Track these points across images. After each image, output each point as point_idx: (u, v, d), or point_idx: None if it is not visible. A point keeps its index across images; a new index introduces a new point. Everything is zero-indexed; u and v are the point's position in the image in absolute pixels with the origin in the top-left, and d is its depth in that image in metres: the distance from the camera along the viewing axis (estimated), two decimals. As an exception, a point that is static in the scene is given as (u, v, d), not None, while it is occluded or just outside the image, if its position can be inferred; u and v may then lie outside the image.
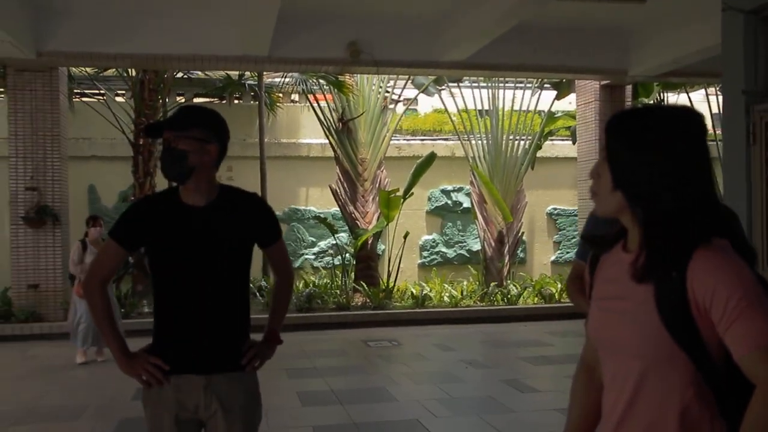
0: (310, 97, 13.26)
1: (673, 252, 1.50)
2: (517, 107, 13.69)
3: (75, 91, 13.14)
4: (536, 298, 12.55)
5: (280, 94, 14.83)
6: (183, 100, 14.38)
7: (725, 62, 5.34)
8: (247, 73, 13.82)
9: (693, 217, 1.51)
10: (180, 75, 13.26)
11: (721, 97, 7.99)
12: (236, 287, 2.66)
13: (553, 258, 15.17)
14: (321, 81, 12.91)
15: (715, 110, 14.48)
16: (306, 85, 13.25)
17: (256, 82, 13.82)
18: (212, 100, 15.17)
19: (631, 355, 1.56)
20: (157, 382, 2.54)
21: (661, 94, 13.21)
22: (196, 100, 14.80)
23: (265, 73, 13.48)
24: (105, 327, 2.62)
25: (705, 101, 15.12)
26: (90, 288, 2.65)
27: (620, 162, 1.56)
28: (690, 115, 1.61)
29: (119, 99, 14.01)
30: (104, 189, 13.96)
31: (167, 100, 12.97)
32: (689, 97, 13.79)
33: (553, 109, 14.07)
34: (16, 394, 6.96)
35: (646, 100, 12.71)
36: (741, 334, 1.41)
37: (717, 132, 12.65)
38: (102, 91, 13.86)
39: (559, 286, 12.81)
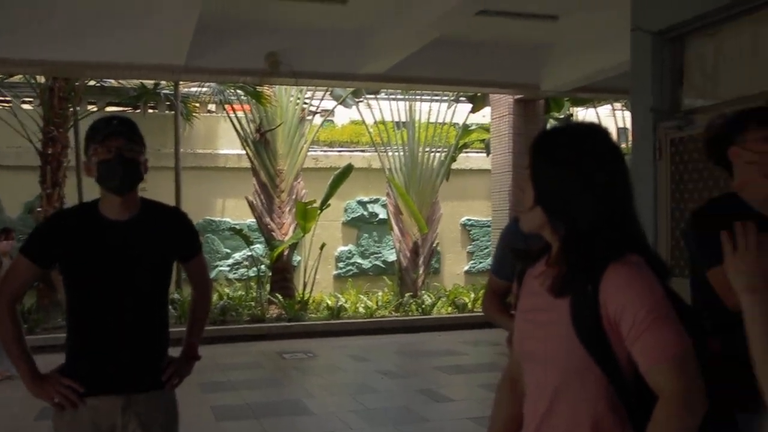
0: (228, 107, 13.12)
1: (587, 267, 1.55)
2: (433, 119, 13.91)
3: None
4: (450, 308, 12.74)
5: (197, 104, 14.60)
6: (95, 109, 13.96)
7: (634, 81, 5.58)
8: (163, 82, 13.55)
9: (608, 233, 1.56)
10: (92, 83, 12.88)
11: (627, 113, 8.36)
12: (156, 303, 2.61)
13: (466, 268, 15.43)
14: (239, 91, 12.80)
15: (621, 125, 15.11)
16: (224, 95, 13.11)
17: (172, 92, 13.57)
18: (126, 109, 14.78)
19: (550, 366, 1.62)
20: (71, 405, 2.44)
21: (571, 109, 13.67)
22: (109, 109, 14.39)
23: (181, 82, 13.25)
24: (14, 348, 2.48)
25: (612, 116, 15.76)
26: None
27: (539, 179, 1.63)
28: (598, 132, 1.68)
29: (26, 106, 13.49)
30: (9, 199, 13.41)
31: (78, 108, 12.56)
32: (597, 112, 14.33)
33: (468, 122, 14.36)
34: None
35: (557, 115, 13.14)
36: (647, 347, 1.46)
37: (622, 146, 13.18)
38: (8, 98, 13.32)
39: (473, 295, 13.06)
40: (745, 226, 1.47)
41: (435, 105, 14.04)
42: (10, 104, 13.14)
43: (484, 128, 14.05)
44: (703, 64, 5.06)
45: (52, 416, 2.54)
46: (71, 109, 12.06)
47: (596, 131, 1.69)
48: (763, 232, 2.46)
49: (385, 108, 14.13)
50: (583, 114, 15.07)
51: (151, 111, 14.77)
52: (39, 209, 11.75)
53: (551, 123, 13.08)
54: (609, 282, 1.51)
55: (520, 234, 1.76)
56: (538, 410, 1.65)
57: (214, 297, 12.60)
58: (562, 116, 13.35)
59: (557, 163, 1.61)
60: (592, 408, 1.56)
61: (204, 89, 13.40)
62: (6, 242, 8.13)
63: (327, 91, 13.69)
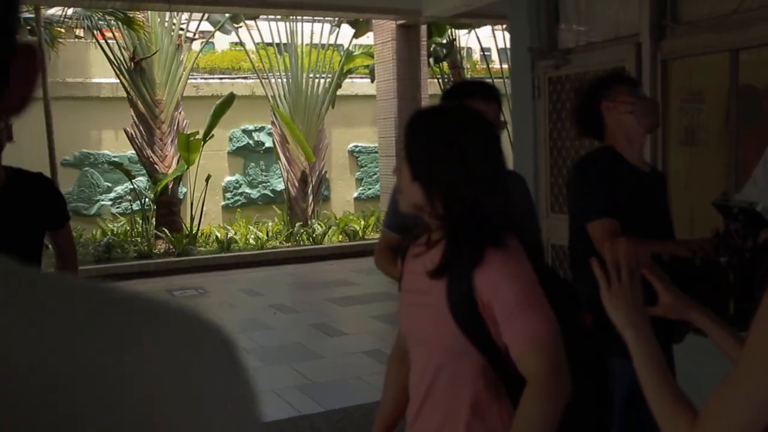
0: (98, 34, 12.37)
1: (465, 250, 1.58)
2: (316, 41, 13.64)
3: None
4: (341, 236, 12.86)
5: (62, 30, 13.68)
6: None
7: (511, 19, 5.66)
8: (23, 6, 12.57)
9: (484, 215, 1.60)
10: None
11: (507, 34, 8.46)
12: None
13: (355, 195, 15.53)
14: (107, 17, 12.06)
15: (501, 45, 15.31)
16: (91, 20, 12.32)
17: (33, 16, 12.63)
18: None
19: (429, 347, 1.67)
20: None
21: (453, 33, 13.72)
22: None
23: (42, 6, 12.35)
24: None
25: (492, 36, 15.93)
26: None
27: (417, 156, 1.65)
28: (471, 111, 1.74)
29: None
30: None
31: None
32: (477, 35, 14.45)
33: (351, 48, 14.18)
34: None
35: (439, 39, 13.16)
36: (515, 332, 1.52)
37: (504, 67, 13.39)
38: None
39: (363, 223, 13.21)
40: (617, 254, 1.43)
41: (317, 27, 13.74)
42: None
43: (368, 54, 13.92)
44: (577, 3, 5.18)
45: None
46: None
47: (469, 110, 1.75)
48: (639, 183, 2.62)
49: (265, 30, 13.71)
50: (465, 38, 15.15)
51: (12, 37, 13.76)
52: None
53: (434, 48, 13.11)
54: (484, 267, 1.55)
55: None
56: (420, 388, 1.71)
57: (98, 233, 12.20)
58: (444, 41, 13.40)
59: (435, 139, 1.65)
60: (471, 387, 1.62)
61: (69, 12, 12.54)
62: None
63: (204, 16, 13.12)
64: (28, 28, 12.99)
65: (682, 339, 2.67)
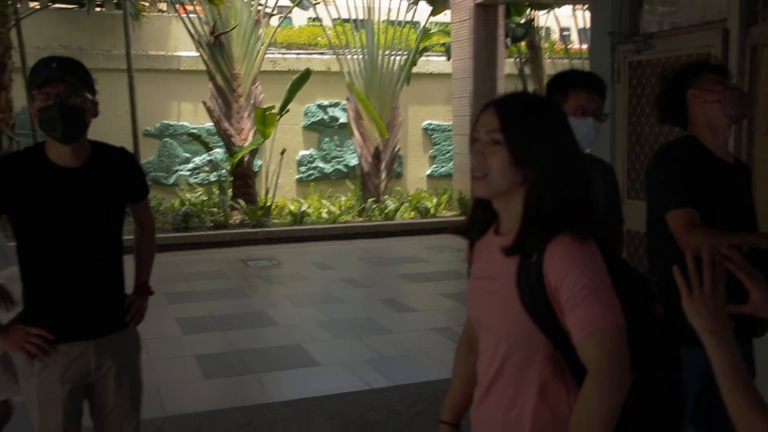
0: (179, 8, 12.68)
1: (538, 233, 1.60)
2: (393, 18, 13.65)
3: None
4: (413, 213, 12.94)
5: (146, 3, 14.06)
6: (38, 6, 13.35)
7: (593, 3, 5.58)
8: (111, -18, 12.96)
9: (564, 202, 1.61)
10: (33, -21, 12.27)
11: (588, 13, 8.34)
12: (115, 246, 2.65)
13: (428, 172, 15.55)
14: (190, -9, 12.35)
15: (581, 25, 15.03)
16: (174, -6, 12.63)
17: (119, -10, 13.02)
18: (71, 6, 14.15)
19: (497, 333, 1.69)
20: (42, 353, 2.49)
21: (531, 13, 13.53)
22: (54, 6, 13.78)
23: (129, -20, 12.71)
24: None
25: (572, 16, 15.65)
26: None
27: (518, 142, 1.63)
28: (555, 104, 1.77)
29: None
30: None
31: (19, 6, 11.98)
32: (556, 15, 14.21)
33: (427, 25, 14.13)
34: None
35: (517, 19, 13.01)
36: (579, 320, 1.53)
37: (584, 47, 13.17)
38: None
39: (435, 200, 13.25)
40: (700, 261, 1.41)
41: (395, 3, 13.73)
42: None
43: (445, 31, 13.86)
44: (664, -14, 5.07)
45: (21, 367, 2.59)
46: (12, 7, 11.51)
47: (552, 100, 1.79)
48: (721, 175, 2.60)
49: (343, 7, 13.79)
50: (544, 18, 14.90)
51: (98, 10, 14.19)
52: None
53: (512, 27, 12.96)
54: (553, 251, 1.57)
55: None
56: (488, 372, 1.73)
57: (176, 202, 12.59)
58: (522, 21, 13.22)
59: (539, 126, 1.65)
60: (539, 373, 1.63)
61: (154, -13, 12.89)
62: None
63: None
64: (115, 2, 13.40)
65: (763, 333, 2.65)
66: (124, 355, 2.68)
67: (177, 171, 14.29)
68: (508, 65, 12.99)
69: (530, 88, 14.49)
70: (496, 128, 1.65)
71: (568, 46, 14.39)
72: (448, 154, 15.06)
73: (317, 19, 14.67)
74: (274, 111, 12.03)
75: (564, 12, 14.63)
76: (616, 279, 1.60)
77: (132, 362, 2.73)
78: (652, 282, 2.59)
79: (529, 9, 13.19)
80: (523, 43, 13.82)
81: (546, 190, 1.61)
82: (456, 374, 1.99)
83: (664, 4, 5.09)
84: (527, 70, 14.55)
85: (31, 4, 13.32)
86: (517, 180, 1.64)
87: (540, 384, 1.64)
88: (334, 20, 13.90)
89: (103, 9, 14.16)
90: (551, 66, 14.90)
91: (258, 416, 4.51)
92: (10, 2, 11.33)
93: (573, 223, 1.60)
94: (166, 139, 14.23)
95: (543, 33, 15.37)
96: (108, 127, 13.23)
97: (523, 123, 1.64)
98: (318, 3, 13.89)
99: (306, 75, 12.54)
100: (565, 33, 15.44)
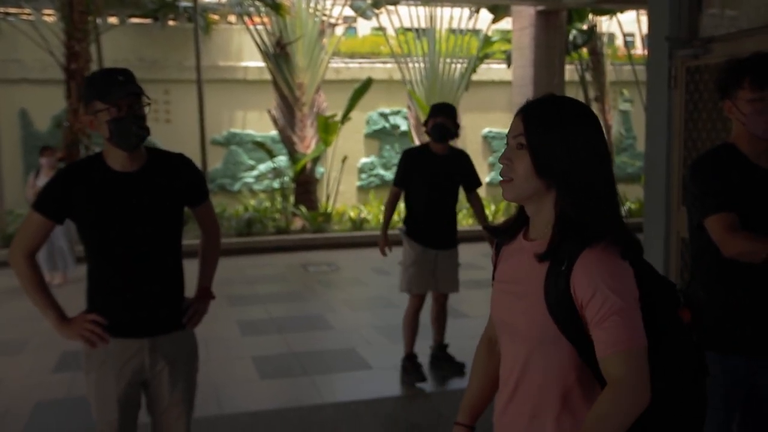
0: (247, 19, 13.02)
1: (570, 242, 1.59)
2: (455, 26, 13.70)
3: (-1, 11, 12.61)
4: (471, 220, 12.91)
5: (216, 16, 14.49)
6: (116, 22, 13.92)
7: (651, 5, 5.52)
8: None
9: (599, 212, 1.60)
10: (111, -5, 12.79)
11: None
12: (173, 249, 2.74)
13: (488, 179, 15.53)
14: (257, 2, 12.67)
15: (645, 30, 14.77)
16: (242, 6, 12.98)
17: (191, 4, 13.46)
18: (146, 21, 14.71)
19: (522, 336, 1.68)
20: (100, 339, 2.61)
21: (593, 19, 13.38)
22: (130, 21, 14.35)
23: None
24: (38, 297, 2.62)
25: (636, 22, 15.37)
26: (15, 259, 2.63)
27: (540, 147, 1.61)
28: (588, 108, 1.71)
29: (48, 18, 13.46)
30: (37, 113, 13.62)
31: (99, 21, 12.52)
32: (619, 21, 14.01)
33: (489, 33, 14.13)
34: (-42, 329, 7.03)
35: (579, 26, 12.88)
36: (602, 339, 1.53)
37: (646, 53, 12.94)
38: (28, 11, 13.29)
39: (494, 207, 13.21)
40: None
41: (456, 12, 13.78)
42: (32, 17, 13.11)
43: (506, 39, 13.82)
44: (723, -10, 4.99)
45: (83, 360, 2.73)
46: (92, 23, 12.03)
47: (578, 101, 1.71)
48: (757, 180, 2.57)
49: (405, 16, 13.92)
50: (606, 24, 14.71)
51: (171, 24, 14.71)
52: (66, 123, 11.93)
53: (573, 34, 12.84)
54: (583, 265, 1.55)
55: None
56: (511, 378, 1.72)
57: (240, 209, 12.90)
58: (585, 27, 13.09)
59: (563, 134, 1.61)
60: (562, 379, 1.62)
61: (223, 0, 13.27)
62: (46, 159, 8.54)
63: (347, 1, 13.48)
64: (186, 16, 13.86)
65: None
66: (179, 356, 2.76)
67: (242, 178, 14.63)
68: (568, 72, 12.86)
69: (591, 94, 14.32)
70: (520, 132, 1.65)
71: (631, 52, 14.15)
72: (510, 162, 14.98)
73: (381, 28, 14.84)
74: (337, 119, 12.22)
75: (627, 18, 14.41)
76: (645, 285, 1.61)
77: (186, 364, 2.79)
78: (696, 288, 2.59)
79: (591, 15, 13.05)
80: (584, 50, 13.68)
81: (569, 199, 1.60)
82: (474, 376, 1.97)
83: (725, 6, 5.00)
84: (588, 77, 14.40)
85: (110, 20, 13.89)
86: (542, 186, 1.63)
87: (563, 392, 1.63)
88: (396, 29, 14.04)
89: (176, 23, 14.66)
90: (612, 72, 14.70)
91: (309, 417, 4.62)
92: (90, 18, 11.84)
93: (606, 236, 1.58)
94: (232, 147, 14.61)
95: (605, 39, 15.19)
96: (178, 136, 13.71)
97: (546, 130, 1.62)
98: (381, 13, 14.05)
99: (367, 84, 12.70)
100: (629, 39, 15.18)
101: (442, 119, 5.05)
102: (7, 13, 13.29)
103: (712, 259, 2.51)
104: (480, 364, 1.97)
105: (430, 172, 5.13)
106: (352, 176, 14.88)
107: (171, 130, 13.72)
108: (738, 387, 2.53)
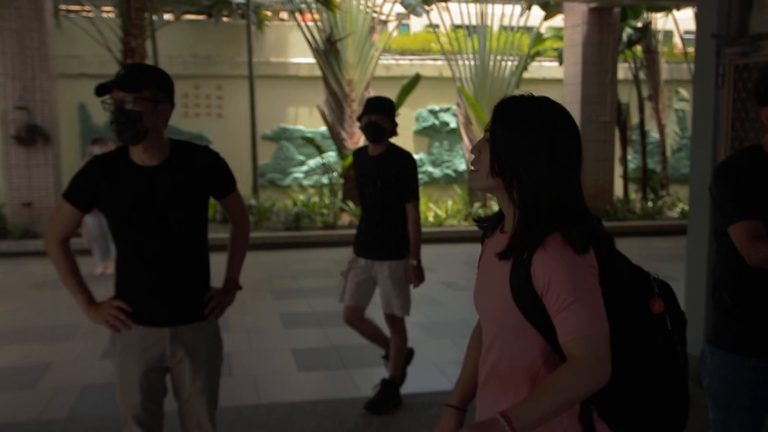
0: (299, 16, 13.16)
1: (529, 236, 1.64)
2: (506, 23, 13.60)
3: (60, 7, 12.99)
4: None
5: (269, 13, 14.68)
6: (171, 19, 14.22)
7: (699, 4, 5.42)
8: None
9: (555, 204, 1.64)
10: (167, -7, 13.08)
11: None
12: (195, 240, 2.77)
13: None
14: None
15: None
16: (294, 3, 13.12)
17: (244, 1, 13.68)
18: (200, 18, 15.01)
19: (493, 322, 1.75)
20: (123, 324, 2.69)
21: (648, 16, 13.12)
22: (185, 18, 14.64)
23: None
24: (70, 281, 2.73)
25: (693, 19, 15.00)
26: (49, 246, 2.73)
27: (499, 143, 1.67)
28: (557, 104, 1.73)
29: (106, 15, 13.83)
30: (95, 107, 13.97)
31: (155, 18, 12.82)
32: (675, 18, 13.71)
33: (541, 30, 13.99)
34: (11, 313, 7.29)
35: (634, 23, 12.66)
36: (564, 324, 1.58)
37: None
38: (88, 8, 13.68)
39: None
40: None
41: (508, 9, 13.68)
42: (91, 13, 13.49)
43: (559, 36, 13.67)
44: (774, -14, 4.86)
45: (109, 345, 2.82)
46: (148, 19, 12.32)
47: (556, 103, 1.74)
48: None
49: (456, 13, 13.87)
50: (662, 21, 14.41)
51: (224, 20, 14.95)
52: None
53: (627, 32, 12.62)
54: (541, 254, 1.60)
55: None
56: (488, 358, 1.80)
57: (289, 203, 13.04)
58: (639, 24, 12.85)
59: (522, 128, 1.66)
60: (530, 363, 1.69)
61: (276, -3, 13.44)
62: (98, 147, 8.77)
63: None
64: (240, 13, 14.08)
65: None
66: (199, 346, 2.78)
67: (291, 173, 14.80)
68: (622, 70, 12.67)
69: (645, 93, 14.06)
70: (488, 126, 1.71)
71: (688, 50, 13.84)
72: (560, 161, 14.83)
73: (432, 25, 14.83)
74: (385, 116, 12.23)
75: (684, 15, 14.10)
76: (612, 275, 1.65)
77: (208, 354, 2.81)
78: (718, 293, 2.55)
79: (646, 12, 12.81)
80: (638, 47, 13.43)
81: (521, 192, 1.66)
82: (466, 361, 2.04)
83: (774, 4, 4.88)
84: (642, 75, 14.13)
85: (166, 16, 14.20)
86: (499, 182, 1.69)
87: (531, 376, 1.69)
88: (448, 26, 14.01)
89: (230, 19, 14.91)
90: (668, 71, 14.40)
91: (345, 409, 4.66)
92: (147, 15, 12.13)
93: (560, 225, 1.62)
94: (282, 142, 14.78)
95: (661, 36, 14.89)
96: (230, 130, 13.97)
97: (509, 129, 1.67)
98: (431, 10, 14.04)
99: (415, 80, 12.71)
100: (685, 36, 14.84)
101: (377, 117, 4.46)
102: (68, 10, 13.68)
103: (737, 265, 2.46)
104: (472, 350, 2.04)
105: (362, 174, 4.62)
106: (401, 173, 14.88)
107: (223, 125, 13.97)
108: (765, 390, 2.49)
